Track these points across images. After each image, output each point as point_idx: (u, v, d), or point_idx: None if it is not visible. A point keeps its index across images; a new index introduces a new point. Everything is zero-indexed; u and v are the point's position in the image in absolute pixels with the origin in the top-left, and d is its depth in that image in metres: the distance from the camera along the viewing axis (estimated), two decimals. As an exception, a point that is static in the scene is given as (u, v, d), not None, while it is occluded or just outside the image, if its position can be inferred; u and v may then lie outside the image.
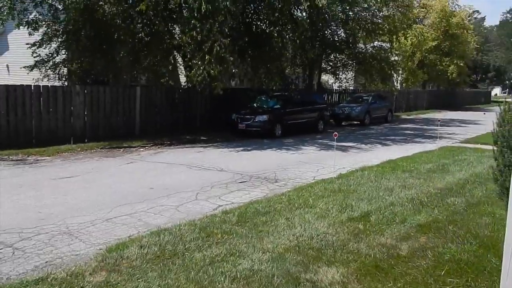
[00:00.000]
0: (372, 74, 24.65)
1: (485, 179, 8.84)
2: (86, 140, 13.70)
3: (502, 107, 4.38)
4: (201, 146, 14.51)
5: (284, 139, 16.37)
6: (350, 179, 8.84)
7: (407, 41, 30.26)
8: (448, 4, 37.77)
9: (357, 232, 5.54)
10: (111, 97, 14.69)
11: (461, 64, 37.09)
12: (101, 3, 14.73)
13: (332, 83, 31.26)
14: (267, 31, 15.90)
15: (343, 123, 23.23)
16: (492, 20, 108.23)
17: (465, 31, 37.89)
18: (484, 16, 77.89)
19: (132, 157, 12.12)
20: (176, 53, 16.68)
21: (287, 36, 15.55)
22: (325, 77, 31.83)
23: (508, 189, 3.45)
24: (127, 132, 14.88)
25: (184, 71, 17.18)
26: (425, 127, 22.30)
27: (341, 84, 28.40)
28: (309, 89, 24.20)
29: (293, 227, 5.71)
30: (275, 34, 15.19)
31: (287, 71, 19.32)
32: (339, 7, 20.46)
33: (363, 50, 25.13)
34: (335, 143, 10.84)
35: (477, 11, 50.91)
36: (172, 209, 6.87)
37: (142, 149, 13.44)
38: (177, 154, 12.79)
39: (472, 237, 5.26)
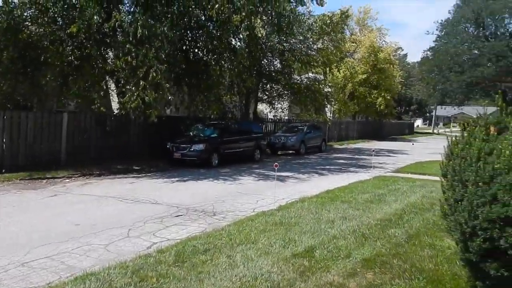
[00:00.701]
0: (307, 105, 25.20)
1: (421, 209, 9.04)
2: (3, 171, 12.46)
3: (449, 140, 4.35)
4: (134, 177, 13.75)
5: (221, 168, 16.00)
6: (290, 211, 8.62)
7: (340, 73, 31.47)
8: (376, 40, 40.07)
9: (303, 270, 5.25)
10: (35, 123, 13.58)
11: (388, 97, 39.15)
12: (27, 23, 13.78)
13: (267, 112, 31.58)
14: (205, 59, 15.68)
15: (278, 153, 23.34)
16: (413, 57, 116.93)
17: (391, 66, 40.25)
18: (406, 53, 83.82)
19: (56, 189, 11.14)
20: (108, 78, 15.92)
21: (225, 65, 15.41)
22: (260, 107, 32.13)
23: (461, 224, 3.35)
24: (51, 161, 13.75)
25: (117, 97, 16.41)
26: (357, 156, 22.95)
27: (276, 114, 28.75)
28: (245, 118, 24.19)
29: (235, 266, 5.31)
30: (213, 62, 14.99)
31: (224, 99, 19.13)
32: (276, 38, 20.82)
33: (299, 81, 25.72)
34: (275, 174, 10.68)
35: (401, 48, 54.41)
36: (100, 248, 6.21)
37: (68, 180, 12.45)
38: (107, 185, 11.96)
39: (418, 271, 5.16)
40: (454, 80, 52.56)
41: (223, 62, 15.25)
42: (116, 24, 11.90)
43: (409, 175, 14.83)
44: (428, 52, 58.74)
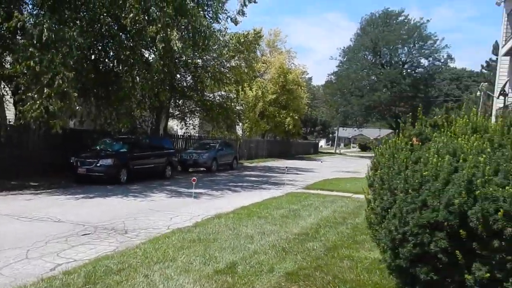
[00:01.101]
0: (219, 122, 25.19)
1: (334, 223, 9.28)
2: None
3: (376, 151, 4.46)
4: (31, 193, 12.50)
5: (130, 185, 15.20)
6: (208, 227, 8.35)
7: (252, 92, 32.02)
8: (285, 61, 41.55)
9: (227, 286, 5.03)
10: None
11: (296, 117, 40.60)
12: None
13: (177, 129, 31.02)
14: (116, 69, 14.93)
15: (190, 170, 22.90)
16: (318, 80, 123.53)
17: (299, 87, 41.88)
18: (311, 76, 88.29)
19: None
20: (4, 85, 14.45)
21: (138, 77, 14.78)
22: (171, 123, 31.47)
23: (391, 231, 3.40)
24: None
25: (13, 106, 14.93)
26: (268, 174, 23.28)
27: (187, 130, 28.32)
28: (155, 133, 23.46)
29: (154, 286, 4.93)
30: (125, 74, 14.32)
31: (134, 113, 18.35)
32: (191, 52, 20.58)
33: (211, 98, 25.67)
34: (193, 190, 10.36)
35: (306, 71, 57.03)
36: (-7, 272, 5.43)
37: (-49, 197, 10.94)
38: None
39: (341, 282, 5.20)
40: (355, 103, 56.34)
41: (135, 74, 14.62)
42: (18, 24, 10.83)
43: (319, 191, 15.30)
44: (332, 76, 62.58)
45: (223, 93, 25.91)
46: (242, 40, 23.64)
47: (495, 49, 45.12)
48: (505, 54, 12.06)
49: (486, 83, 13.15)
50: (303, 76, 45.69)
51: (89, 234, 7.81)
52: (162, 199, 12.56)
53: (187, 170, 22.51)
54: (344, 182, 18.95)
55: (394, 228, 3.35)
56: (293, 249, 6.86)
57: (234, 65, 24.78)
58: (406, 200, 3.27)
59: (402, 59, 60.27)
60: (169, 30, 13.25)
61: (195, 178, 10.24)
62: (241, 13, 17.50)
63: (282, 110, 40.05)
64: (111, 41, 14.29)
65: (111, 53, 15.02)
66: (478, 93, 13.96)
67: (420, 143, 3.94)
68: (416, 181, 3.27)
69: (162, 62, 14.65)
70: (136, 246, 6.78)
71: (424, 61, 58.91)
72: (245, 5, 17.33)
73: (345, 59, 61.65)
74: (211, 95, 26.28)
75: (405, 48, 59.49)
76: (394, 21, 60.77)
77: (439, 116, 4.38)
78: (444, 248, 3.09)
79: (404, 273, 3.42)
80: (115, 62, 15.13)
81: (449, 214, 3.08)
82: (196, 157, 22.25)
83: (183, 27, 15.03)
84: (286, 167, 18.43)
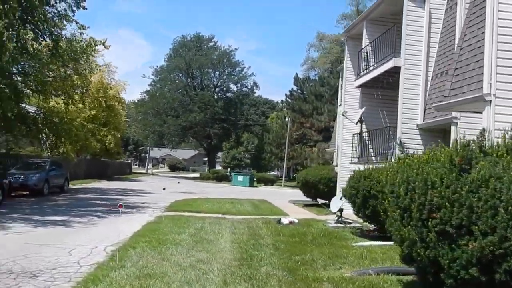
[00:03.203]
0: (45, 137, 22.08)
1: (255, 244, 9.15)
2: None
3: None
4: None
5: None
6: (132, 259, 7.25)
7: (83, 106, 29.13)
8: (105, 76, 38.99)
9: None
10: None
11: (118, 135, 38.43)
12: None
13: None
14: None
15: (12, 194, 19.25)
16: (128, 97, 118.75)
17: (119, 104, 39.81)
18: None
19: None
20: None
21: None
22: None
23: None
24: None
25: None
26: (109, 197, 21.27)
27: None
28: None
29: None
30: None
31: None
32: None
33: (33, 112, 22.26)
34: (120, 213, 8.81)
35: (126, 87, 54.56)
36: None
37: None
38: None
39: None
40: (171, 124, 56.50)
41: None
42: None
43: (190, 214, 14.74)
44: (145, 95, 61.49)
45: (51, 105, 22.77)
46: (78, 49, 21.30)
47: (296, 80, 51.64)
48: (359, 86, 13.99)
49: (346, 111, 14.97)
50: (122, 92, 43.53)
51: (-14, 285, 5.88)
52: (29, 230, 10.26)
53: (10, 195, 18.83)
54: (198, 203, 18.76)
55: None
56: (255, 277, 6.50)
57: (64, 74, 22.07)
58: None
59: (214, 83, 63.52)
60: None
61: (121, 204, 8.75)
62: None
63: (102, 127, 37.33)
64: None
65: None
66: (341, 117, 15.80)
67: (464, 165, 4.33)
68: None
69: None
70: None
71: (233, 86, 63.33)
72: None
73: (158, 79, 61.53)
74: (33, 108, 22.81)
75: (217, 72, 62.95)
76: (205, 46, 63.80)
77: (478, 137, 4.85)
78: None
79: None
80: None
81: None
82: (24, 179, 18.86)
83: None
84: (179, 182, 17.25)
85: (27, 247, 8.23)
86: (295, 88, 50.90)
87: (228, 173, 51.20)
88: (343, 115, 14.85)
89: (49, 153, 24.62)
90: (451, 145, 9.81)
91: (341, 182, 15.89)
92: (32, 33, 11.61)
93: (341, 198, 12.79)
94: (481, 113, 8.47)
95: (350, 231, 11.48)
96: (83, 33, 15.33)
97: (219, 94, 63.34)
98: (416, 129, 11.39)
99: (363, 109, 13.68)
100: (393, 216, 4.92)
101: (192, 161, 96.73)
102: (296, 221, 13.02)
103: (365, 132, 14.04)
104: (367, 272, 6.74)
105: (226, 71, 62.27)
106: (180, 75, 62.43)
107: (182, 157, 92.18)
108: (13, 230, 10.11)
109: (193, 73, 62.49)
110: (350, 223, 12.71)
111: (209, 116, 56.83)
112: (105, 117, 37.71)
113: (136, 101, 62.07)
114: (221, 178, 49.66)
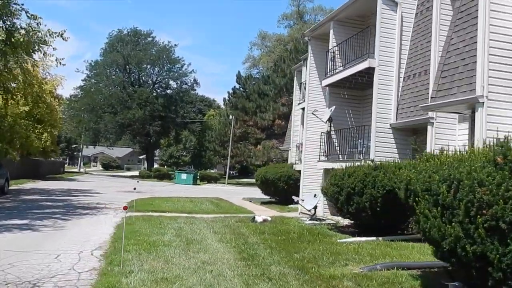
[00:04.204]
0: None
1: (247, 244, 9.04)
2: None
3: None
4: None
5: None
6: (133, 263, 6.86)
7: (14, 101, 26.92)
8: (39, 70, 36.48)
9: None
10: None
11: (56, 133, 36.22)
12: None
13: None
14: None
15: None
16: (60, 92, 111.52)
17: (56, 100, 37.51)
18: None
19: None
20: None
21: None
22: None
23: None
24: None
25: None
26: (57, 198, 19.92)
27: None
28: None
29: None
30: None
31: None
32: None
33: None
34: (125, 214, 8.23)
35: (63, 81, 51.28)
36: None
37: None
38: None
39: None
40: (108, 121, 54.20)
41: None
42: None
43: (157, 214, 14.23)
44: (78, 90, 58.41)
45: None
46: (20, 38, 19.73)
47: (239, 78, 51.72)
48: (327, 86, 14.31)
49: (317, 109, 15.25)
50: (59, 87, 40.99)
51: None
52: (0, 237, 9.34)
53: None
54: (157, 202, 18.17)
55: None
56: (274, 277, 6.43)
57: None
58: None
59: (153, 79, 61.83)
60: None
61: (126, 205, 8.15)
62: None
63: (37, 124, 34.94)
64: None
65: None
66: (303, 116, 16.05)
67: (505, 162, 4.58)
68: None
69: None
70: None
71: (173, 83, 62.04)
72: None
73: (93, 73, 58.74)
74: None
75: (156, 68, 61.32)
76: (143, 41, 61.93)
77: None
78: None
79: None
80: None
81: None
82: (-37, 181, 17.17)
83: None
84: (136, 185, 16.43)
85: (7, 254, 7.50)
86: (237, 86, 50.91)
87: (172, 171, 50.21)
88: (313, 113, 15.07)
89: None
90: (427, 144, 10.38)
91: (306, 180, 16.18)
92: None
93: (315, 196, 13.01)
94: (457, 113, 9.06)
95: (326, 228, 11.71)
96: (40, 24, 14.12)
97: (158, 90, 61.81)
98: (389, 128, 11.85)
99: (333, 108, 14.00)
100: (429, 214, 5.07)
101: (126, 159, 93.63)
102: (269, 219, 13.06)
103: (333, 130, 14.38)
104: (375, 267, 6.90)
105: (165, 67, 60.86)
106: (117, 70, 60.09)
107: (116, 155, 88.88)
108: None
109: (131, 69, 60.45)
110: (324, 220, 12.98)
111: (148, 113, 55.24)
112: (40, 113, 35.35)
113: (68, 97, 58.74)
114: (163, 176, 48.54)
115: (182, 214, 14.51)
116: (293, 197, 14.90)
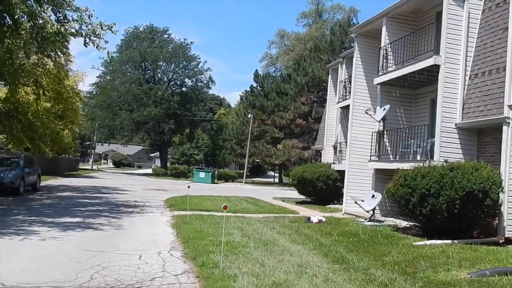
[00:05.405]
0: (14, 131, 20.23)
1: (329, 246, 8.70)
2: None
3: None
4: None
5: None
6: (239, 264, 6.53)
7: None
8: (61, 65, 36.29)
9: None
10: None
11: (77, 130, 36.01)
12: None
13: None
14: None
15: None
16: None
17: (77, 96, 37.29)
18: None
19: None
20: None
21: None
22: None
23: None
24: None
25: None
26: (90, 195, 19.65)
27: None
28: None
29: None
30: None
31: None
32: None
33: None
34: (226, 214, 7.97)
35: (84, 77, 51.09)
36: None
37: None
38: None
39: None
40: (125, 118, 53.97)
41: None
42: None
43: (204, 212, 14.00)
44: (94, 87, 58.24)
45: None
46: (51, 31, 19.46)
47: (256, 77, 51.38)
48: (380, 84, 13.92)
49: (370, 108, 14.90)
50: (80, 83, 40.79)
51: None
52: (62, 235, 8.99)
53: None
54: (196, 201, 17.79)
55: None
56: (392, 284, 6.08)
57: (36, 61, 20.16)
58: None
59: (168, 77, 61.55)
60: None
61: (226, 205, 7.80)
62: None
63: (59, 121, 34.70)
64: None
65: None
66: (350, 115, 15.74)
67: None
68: None
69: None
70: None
71: (188, 81, 61.73)
72: None
73: (108, 70, 58.55)
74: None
75: (171, 65, 61.01)
76: (159, 38, 61.68)
77: None
78: None
79: None
80: None
81: None
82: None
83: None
84: (189, 186, 16.20)
85: (89, 255, 7.19)
86: (255, 84, 50.51)
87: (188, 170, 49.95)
88: (366, 112, 14.67)
89: (17, 148, 22.65)
90: (503, 144, 9.98)
91: (350, 180, 15.78)
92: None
93: (373, 196, 12.65)
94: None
95: (390, 230, 11.34)
96: (91, 16, 13.83)
97: (173, 88, 61.53)
98: (455, 128, 11.45)
99: (387, 106, 13.61)
100: None
101: (136, 156, 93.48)
102: (324, 219, 12.72)
103: (386, 130, 14.01)
104: (485, 273, 6.54)
105: (181, 64, 60.55)
106: (133, 67, 59.84)
107: (127, 153, 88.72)
108: (42, 236, 8.80)
109: (146, 66, 60.22)
110: (382, 221, 12.62)
111: (163, 110, 55.00)
112: (62, 110, 35.13)
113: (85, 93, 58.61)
114: (179, 174, 48.19)
115: (228, 213, 14.17)
116: (350, 196, 14.54)
